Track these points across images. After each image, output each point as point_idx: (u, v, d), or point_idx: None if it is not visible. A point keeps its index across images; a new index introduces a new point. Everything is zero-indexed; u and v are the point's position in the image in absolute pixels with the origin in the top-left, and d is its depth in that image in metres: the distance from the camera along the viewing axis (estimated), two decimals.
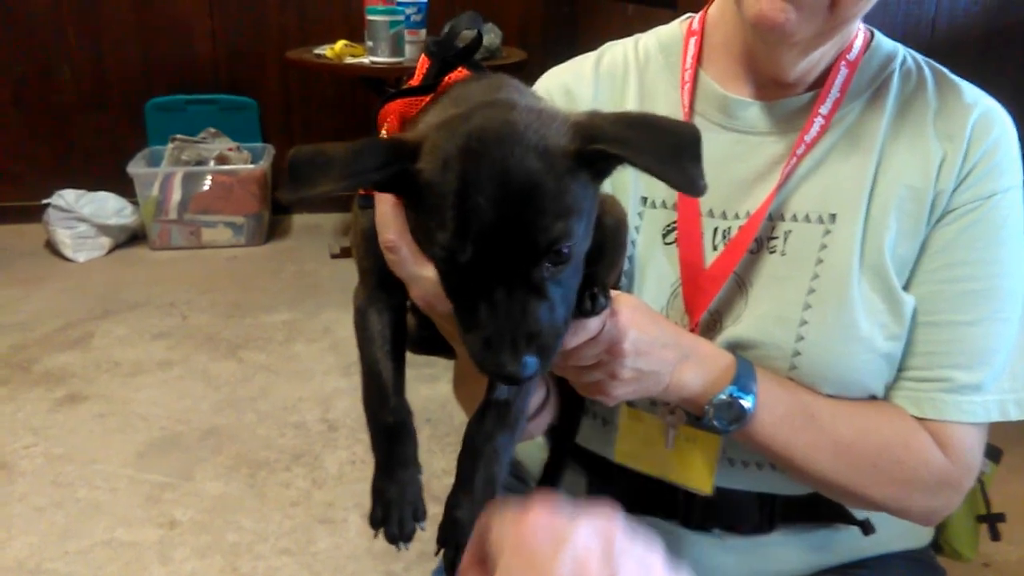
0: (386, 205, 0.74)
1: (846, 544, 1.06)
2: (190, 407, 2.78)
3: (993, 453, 1.14)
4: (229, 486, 2.41)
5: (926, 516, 1.01)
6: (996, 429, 1.02)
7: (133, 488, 2.39)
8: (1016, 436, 1.16)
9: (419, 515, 0.75)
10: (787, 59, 0.95)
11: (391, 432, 0.75)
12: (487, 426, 0.72)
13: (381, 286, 0.78)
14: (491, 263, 0.63)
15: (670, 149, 0.65)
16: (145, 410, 2.76)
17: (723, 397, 0.90)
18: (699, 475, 0.99)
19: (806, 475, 0.96)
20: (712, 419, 0.91)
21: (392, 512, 0.74)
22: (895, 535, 1.08)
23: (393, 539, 0.74)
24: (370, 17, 3.40)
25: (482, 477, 0.71)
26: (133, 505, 2.33)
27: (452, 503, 0.71)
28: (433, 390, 2.68)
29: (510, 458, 0.73)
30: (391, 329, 0.78)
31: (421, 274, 0.74)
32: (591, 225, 0.69)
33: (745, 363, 0.92)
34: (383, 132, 0.78)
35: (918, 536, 1.13)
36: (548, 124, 0.66)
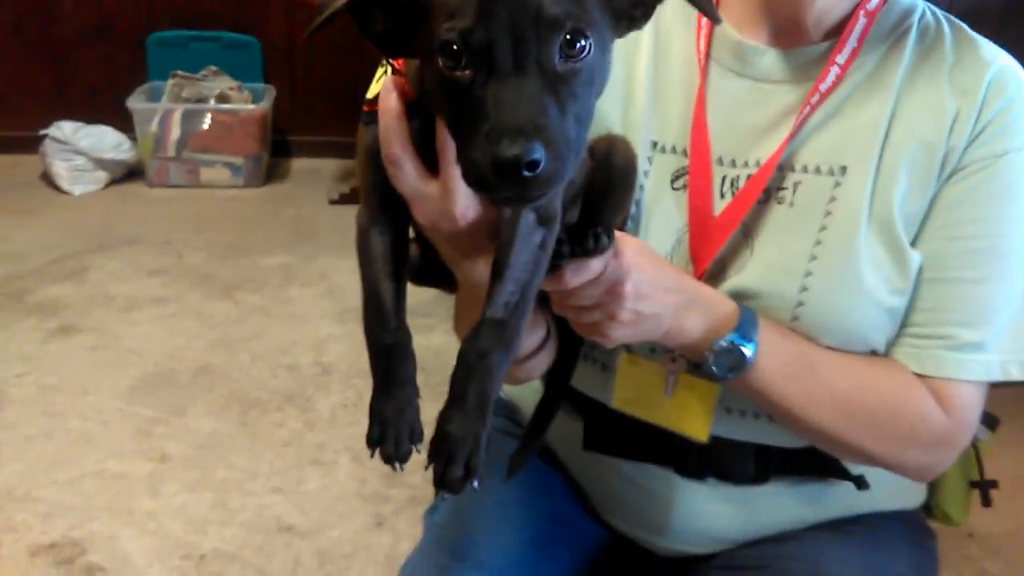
0: (389, 117, 0.72)
1: (839, 499, 1.07)
2: (183, 345, 2.78)
3: (990, 421, 1.14)
4: (220, 424, 2.41)
5: (921, 472, 1.02)
6: (992, 400, 1.02)
7: (124, 421, 2.40)
8: (1011, 409, 1.17)
9: (416, 436, 0.74)
10: (804, 2, 0.94)
11: (390, 352, 0.74)
12: (482, 342, 0.70)
13: (384, 206, 0.76)
14: (501, 38, 0.59)
15: None
16: (138, 345, 2.76)
17: (723, 344, 0.90)
18: (695, 423, 0.99)
19: (803, 426, 0.96)
20: (711, 365, 0.91)
21: (389, 431, 0.74)
22: (888, 494, 1.09)
23: (389, 458, 0.74)
24: None
25: (475, 393, 0.70)
26: (124, 438, 2.33)
27: (444, 417, 0.70)
28: (428, 339, 2.67)
29: (503, 376, 0.72)
30: (392, 250, 0.76)
31: (424, 190, 0.73)
32: (600, 68, 0.66)
33: (748, 311, 0.92)
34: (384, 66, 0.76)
35: (911, 497, 1.14)
36: None
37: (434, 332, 2.71)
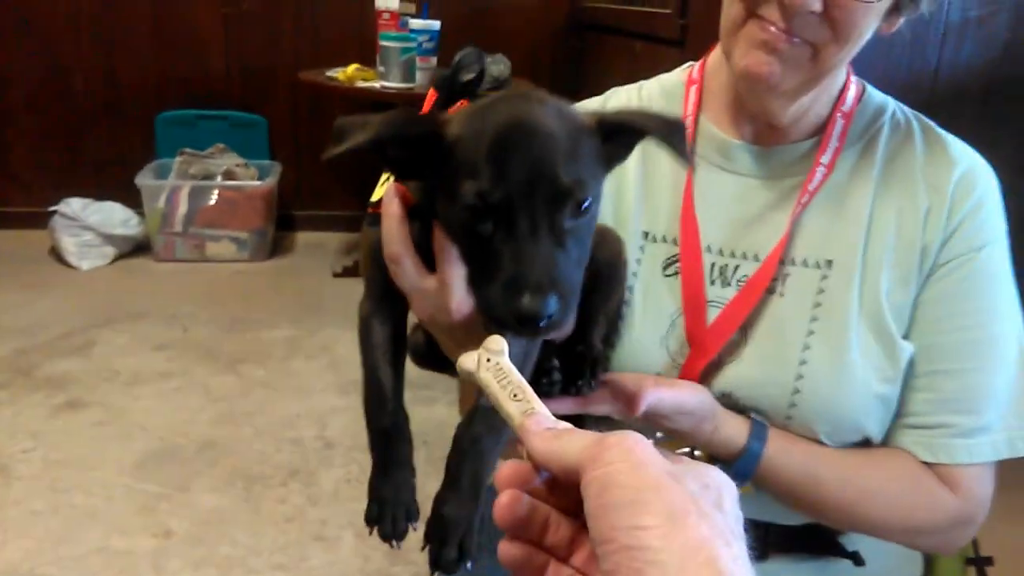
0: (391, 220, 0.78)
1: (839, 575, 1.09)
2: (188, 419, 2.80)
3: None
4: (224, 499, 2.42)
5: (940, 549, 1.09)
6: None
7: (129, 497, 2.41)
8: (1005, 483, 1.19)
9: (412, 515, 0.79)
10: (776, 106, 1.01)
11: (388, 435, 0.79)
12: (475, 429, 0.75)
13: (384, 298, 0.82)
14: (520, 204, 0.66)
15: (668, 126, 0.74)
16: (143, 420, 2.78)
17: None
18: None
19: (816, 519, 1.03)
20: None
21: (386, 511, 0.78)
22: (885, 570, 1.11)
23: (386, 537, 0.78)
24: (383, 43, 3.45)
25: (468, 476, 0.74)
26: (129, 514, 2.34)
27: (439, 500, 0.75)
28: (430, 412, 2.70)
29: (496, 461, 0.76)
30: (392, 339, 0.82)
31: (422, 286, 0.78)
32: (597, 213, 0.74)
33: (758, 422, 0.99)
34: None
35: (908, 574, 1.16)
36: (569, 107, 0.73)
37: (436, 404, 2.73)
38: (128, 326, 3.41)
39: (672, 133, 0.74)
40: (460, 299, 0.78)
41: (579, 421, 1.00)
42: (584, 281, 0.90)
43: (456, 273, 0.77)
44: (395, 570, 2.17)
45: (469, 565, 0.73)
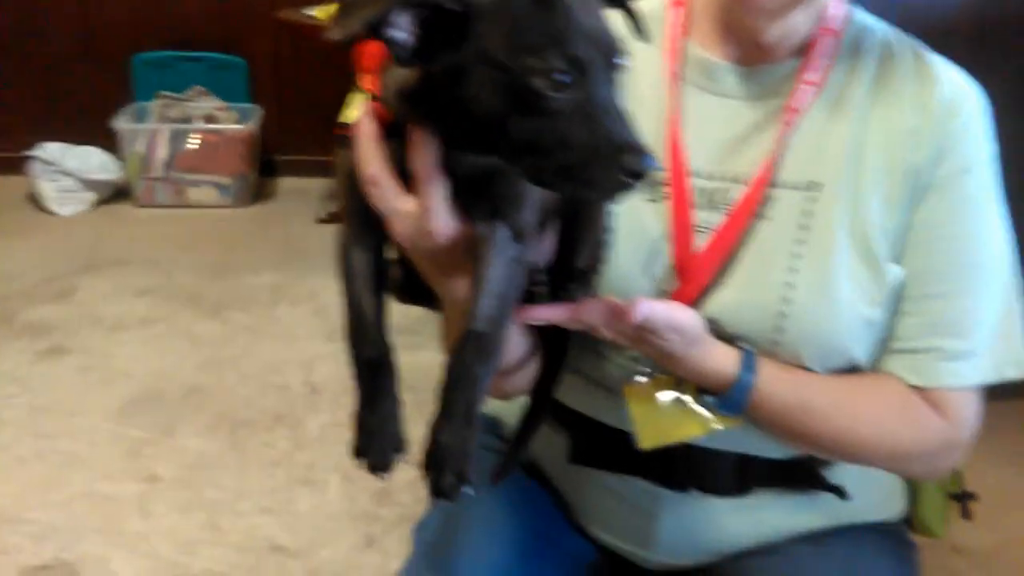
0: (367, 140, 0.75)
1: (821, 510, 1.09)
2: (172, 365, 2.79)
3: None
4: (210, 444, 2.42)
5: (930, 474, 1.11)
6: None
7: (114, 442, 2.41)
8: (996, 423, 1.19)
9: (399, 446, 0.78)
10: (762, 24, 0.98)
11: (372, 365, 0.78)
12: (466, 355, 0.74)
13: (363, 225, 0.80)
14: (595, 68, 0.67)
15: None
16: (127, 366, 2.76)
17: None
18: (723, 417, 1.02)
19: (802, 449, 1.04)
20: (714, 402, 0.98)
21: (373, 442, 0.77)
22: (869, 505, 1.12)
23: (374, 468, 0.77)
24: None
25: (462, 403, 0.73)
26: (114, 458, 2.34)
27: (435, 428, 0.73)
28: (415, 357, 2.66)
29: (487, 387, 0.76)
30: (373, 267, 0.80)
31: (402, 208, 0.76)
32: None
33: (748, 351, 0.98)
34: (361, 74, 0.79)
35: (892, 508, 1.17)
36: None
37: (422, 350, 2.70)
38: (110, 272, 3.37)
39: (627, 8, 0.78)
40: (443, 220, 0.75)
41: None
42: (565, 208, 0.89)
43: (437, 194, 0.74)
44: (382, 511, 2.18)
45: (469, 490, 0.73)
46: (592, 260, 0.94)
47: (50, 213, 3.84)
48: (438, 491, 0.72)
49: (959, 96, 1.00)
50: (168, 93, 4.06)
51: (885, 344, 1.01)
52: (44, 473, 2.27)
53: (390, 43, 0.66)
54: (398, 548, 2.04)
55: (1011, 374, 1.01)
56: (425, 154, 0.73)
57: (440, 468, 0.72)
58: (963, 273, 0.99)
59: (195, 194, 4.00)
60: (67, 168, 3.84)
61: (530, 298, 0.87)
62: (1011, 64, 2.48)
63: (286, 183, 4.35)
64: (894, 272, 0.98)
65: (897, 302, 1.00)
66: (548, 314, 0.89)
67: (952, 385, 0.99)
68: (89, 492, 2.22)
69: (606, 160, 0.65)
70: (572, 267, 0.91)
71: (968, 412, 1.01)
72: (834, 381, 1.00)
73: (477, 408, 0.74)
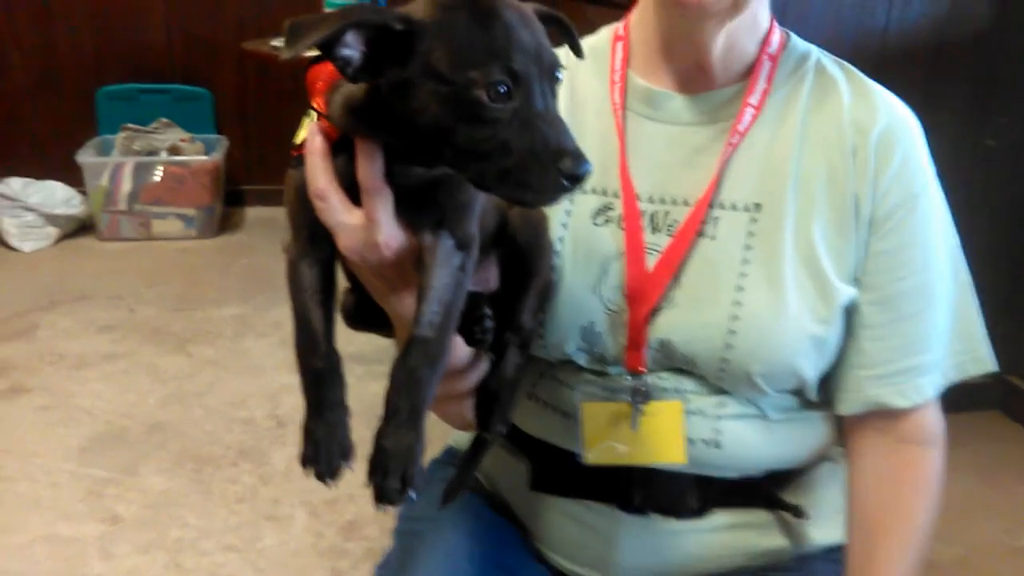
0: (315, 156, 0.77)
1: (780, 531, 1.09)
2: (135, 401, 2.74)
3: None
4: (174, 482, 2.38)
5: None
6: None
7: (75, 483, 2.35)
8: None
9: (346, 453, 0.78)
10: (706, 33, 1.00)
11: (320, 375, 0.79)
12: (410, 360, 0.75)
13: (312, 240, 0.81)
14: (535, 80, 0.69)
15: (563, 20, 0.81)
16: (89, 404, 2.71)
17: None
18: (670, 448, 1.02)
19: None
20: None
21: (321, 450, 0.77)
22: (829, 524, 1.11)
23: (320, 476, 0.77)
24: (328, 10, 3.37)
25: (406, 407, 0.74)
26: (74, 500, 2.29)
27: (380, 433, 0.74)
28: (382, 386, 2.66)
29: (433, 391, 0.77)
30: (321, 281, 0.81)
31: (350, 221, 0.77)
32: None
33: None
34: (314, 97, 0.80)
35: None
36: None
37: (384, 379, 2.70)
38: (72, 308, 3.32)
39: (565, 26, 0.81)
40: (388, 232, 0.77)
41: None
42: (511, 258, 0.92)
43: (383, 206, 0.76)
44: (349, 546, 2.14)
45: (412, 495, 0.73)
46: (537, 318, 0.97)
47: (12, 249, 3.78)
48: (382, 495, 0.73)
49: (896, 124, 1.02)
50: (133, 125, 4.02)
51: (862, 373, 1.03)
52: (2, 517, 2.21)
53: (339, 61, 0.69)
54: None
55: (973, 371, 1.06)
56: (371, 166, 0.75)
57: (384, 473, 0.73)
58: (925, 290, 1.03)
59: (160, 226, 3.97)
60: (30, 203, 3.80)
61: (470, 337, 0.88)
62: (966, 83, 2.52)
63: (252, 213, 4.33)
64: (846, 292, 1.00)
65: (856, 327, 1.02)
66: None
67: (932, 396, 1.04)
68: (49, 535, 2.16)
69: (545, 164, 0.68)
70: (517, 316, 0.94)
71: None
72: (874, 544, 1.04)
73: (422, 412, 0.75)
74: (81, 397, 2.75)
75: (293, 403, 2.72)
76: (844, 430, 1.09)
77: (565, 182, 0.68)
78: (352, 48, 0.69)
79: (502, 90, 0.68)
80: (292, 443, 2.51)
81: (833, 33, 2.32)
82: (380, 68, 0.70)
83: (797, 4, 2.32)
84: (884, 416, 1.04)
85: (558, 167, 0.68)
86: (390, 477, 0.73)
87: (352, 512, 2.19)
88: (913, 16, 2.42)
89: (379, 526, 2.12)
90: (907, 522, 1.05)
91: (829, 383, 1.05)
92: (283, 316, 3.24)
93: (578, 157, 0.68)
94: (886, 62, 2.34)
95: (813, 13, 2.34)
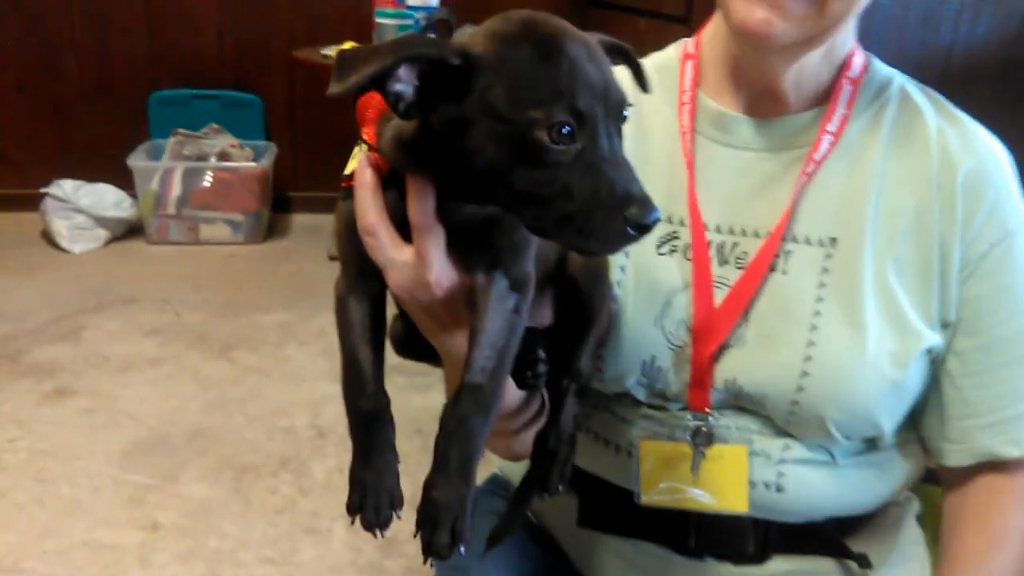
0: (365, 190, 0.74)
1: None
2: (178, 407, 2.74)
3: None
4: (214, 490, 2.37)
5: None
6: None
7: (116, 488, 2.35)
8: None
9: (395, 502, 0.75)
10: (775, 66, 0.95)
11: (369, 419, 0.76)
12: (461, 408, 0.72)
13: (361, 275, 0.78)
14: (600, 120, 0.65)
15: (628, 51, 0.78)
16: (132, 408, 2.72)
17: None
18: (732, 495, 0.97)
19: None
20: None
21: (368, 498, 0.75)
22: (893, 573, 1.05)
23: (369, 526, 0.75)
24: (379, 20, 3.37)
25: (457, 457, 0.70)
26: (115, 506, 2.29)
27: (429, 484, 0.71)
28: (425, 399, 2.64)
29: (484, 441, 0.73)
30: (370, 318, 0.79)
31: (399, 259, 0.74)
32: None
33: None
34: (364, 127, 0.76)
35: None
36: None
37: (432, 391, 2.68)
38: (119, 311, 3.34)
39: (631, 59, 0.78)
40: (439, 271, 0.74)
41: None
42: (569, 296, 0.88)
43: (434, 244, 0.72)
44: (387, 563, 2.11)
45: (462, 549, 0.70)
46: (595, 363, 0.93)
47: (62, 250, 3.83)
48: (431, 550, 0.70)
49: (986, 162, 0.96)
50: (184, 130, 4.06)
51: (963, 424, 0.98)
52: (44, 521, 2.22)
53: (391, 96, 0.65)
54: None
55: None
56: (422, 203, 0.72)
57: (433, 526, 0.70)
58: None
59: (208, 231, 3.99)
60: (80, 206, 3.84)
61: (522, 381, 0.84)
62: None
63: (299, 220, 4.34)
64: (929, 337, 0.95)
65: (956, 375, 0.97)
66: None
67: None
68: (89, 541, 2.16)
69: (609, 211, 0.64)
70: (575, 361, 0.90)
71: None
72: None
73: (473, 463, 0.72)
74: (125, 401, 2.75)
75: (334, 413, 2.70)
76: (945, 481, 1.04)
77: (631, 231, 0.64)
78: (405, 83, 0.65)
79: (565, 131, 0.64)
80: (332, 454, 2.51)
81: (896, 50, 2.26)
82: (433, 103, 0.66)
83: (859, 20, 2.26)
84: (994, 468, 0.99)
85: (624, 215, 0.64)
86: (440, 531, 0.69)
87: (392, 528, 2.13)
88: (981, 33, 2.35)
89: (419, 544, 2.08)
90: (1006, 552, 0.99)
91: (930, 438, 1.01)
92: (327, 324, 3.25)
93: (646, 204, 0.64)
94: (950, 80, 2.28)
95: (875, 30, 2.28)
